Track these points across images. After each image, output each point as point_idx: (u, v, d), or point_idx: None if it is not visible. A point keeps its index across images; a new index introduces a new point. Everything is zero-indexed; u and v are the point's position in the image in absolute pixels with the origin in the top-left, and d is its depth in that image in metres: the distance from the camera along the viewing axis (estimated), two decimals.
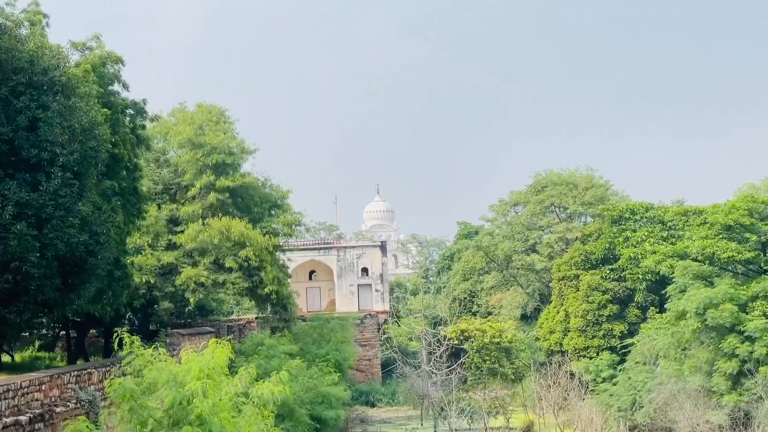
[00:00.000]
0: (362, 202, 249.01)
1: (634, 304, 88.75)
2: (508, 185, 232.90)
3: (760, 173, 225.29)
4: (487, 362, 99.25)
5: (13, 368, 56.90)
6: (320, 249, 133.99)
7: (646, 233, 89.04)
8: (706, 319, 67.20)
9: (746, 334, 66.27)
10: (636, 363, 76.85)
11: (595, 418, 60.30)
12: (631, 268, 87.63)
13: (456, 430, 75.19)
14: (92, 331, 70.46)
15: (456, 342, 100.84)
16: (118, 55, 56.80)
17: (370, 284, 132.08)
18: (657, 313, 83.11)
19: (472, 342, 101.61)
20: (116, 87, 57.19)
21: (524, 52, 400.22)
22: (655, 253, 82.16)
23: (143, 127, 63.16)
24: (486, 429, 69.83)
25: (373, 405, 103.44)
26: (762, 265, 71.31)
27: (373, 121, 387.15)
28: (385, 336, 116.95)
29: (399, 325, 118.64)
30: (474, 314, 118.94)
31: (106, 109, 50.97)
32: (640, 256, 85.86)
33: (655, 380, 70.22)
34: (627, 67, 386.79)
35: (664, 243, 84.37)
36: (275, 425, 29.09)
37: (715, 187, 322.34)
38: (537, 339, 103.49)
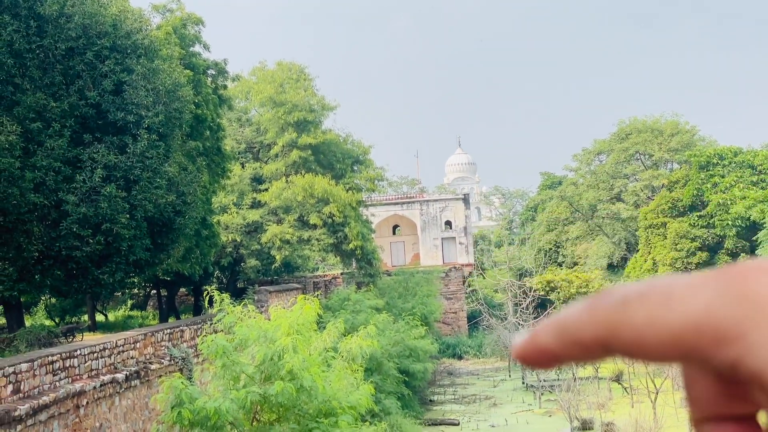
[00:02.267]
0: (444, 155, 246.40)
1: (723, 251, 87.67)
2: (592, 135, 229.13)
3: None
4: None
5: (107, 327, 58.28)
6: (403, 203, 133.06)
7: (736, 178, 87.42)
8: None
9: None
10: None
11: None
12: (720, 215, 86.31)
13: (544, 380, 74.95)
14: (182, 289, 71.60)
15: (542, 293, 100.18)
16: (198, 16, 57.24)
17: (454, 237, 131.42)
18: (748, 258, 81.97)
19: (558, 293, 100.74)
20: (197, 48, 57.65)
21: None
22: (745, 198, 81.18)
23: (225, 87, 63.64)
24: (574, 378, 69.45)
25: (460, 357, 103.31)
26: None
27: (453, 72, 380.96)
28: (471, 289, 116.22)
29: (484, 278, 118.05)
30: (559, 265, 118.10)
31: (188, 71, 51.42)
32: (729, 202, 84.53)
33: None
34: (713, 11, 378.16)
35: (755, 188, 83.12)
36: (364, 379, 29.35)
37: None
38: None
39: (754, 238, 79.01)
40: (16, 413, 21.76)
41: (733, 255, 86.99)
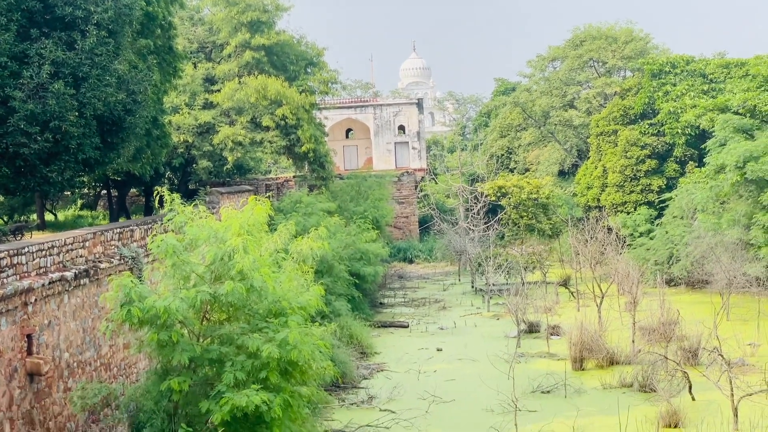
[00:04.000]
0: (398, 60, 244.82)
1: (672, 159, 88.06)
2: (547, 41, 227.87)
3: None
4: (524, 218, 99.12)
5: (56, 226, 57.91)
6: (356, 107, 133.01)
7: (687, 87, 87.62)
8: (745, 173, 66.93)
9: None
10: (674, 217, 76.71)
11: (632, 272, 60.35)
12: (670, 123, 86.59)
13: (493, 284, 75.77)
14: (132, 189, 71.35)
15: (493, 199, 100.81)
16: None
17: (407, 142, 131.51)
18: (696, 167, 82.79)
19: (509, 198, 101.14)
20: None
21: None
22: (695, 107, 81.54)
23: None
24: (523, 283, 70.33)
25: (410, 261, 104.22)
26: None
27: None
28: (423, 193, 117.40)
29: (436, 183, 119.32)
30: (511, 171, 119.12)
31: None
32: (680, 111, 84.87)
33: (692, 234, 70.18)
34: None
35: (705, 96, 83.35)
36: (315, 281, 29.40)
37: (758, 39, 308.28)
38: (574, 195, 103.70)
39: (702, 146, 79.39)
40: None
41: (682, 163, 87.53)
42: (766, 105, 70.95)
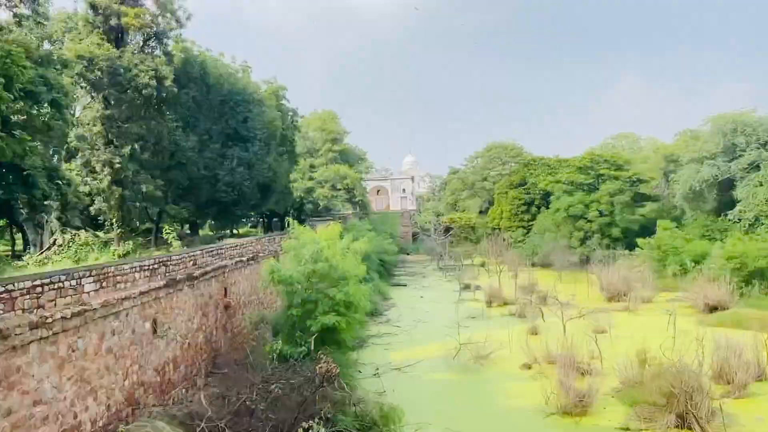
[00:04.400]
0: (401, 153, 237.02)
1: (534, 205, 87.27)
2: (483, 138, 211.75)
3: (605, 132, 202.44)
4: (462, 234, 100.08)
5: (238, 236, 58.31)
6: (382, 180, 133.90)
7: (541, 170, 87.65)
8: (569, 211, 67.52)
9: (588, 218, 66.74)
10: (535, 233, 76.48)
11: (514, 259, 60.80)
12: (533, 188, 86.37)
13: (446, 264, 76.17)
14: (275, 219, 71.69)
15: (448, 223, 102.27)
16: (284, 84, 57.17)
17: (406, 197, 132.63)
18: (546, 209, 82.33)
19: (456, 224, 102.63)
20: (284, 101, 57.49)
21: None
22: (545, 180, 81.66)
23: (296, 120, 63.68)
24: (462, 264, 70.60)
25: (407, 254, 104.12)
26: (596, 185, 70.36)
27: (404, 95, 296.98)
28: (413, 221, 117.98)
29: (420, 216, 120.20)
30: (456, 210, 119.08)
31: (279, 112, 51.53)
32: (537, 182, 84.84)
33: (544, 241, 70.09)
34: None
35: (550, 176, 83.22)
36: (361, 262, 29.53)
37: (578, 142, 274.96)
38: (487, 222, 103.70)
39: (549, 199, 78.90)
40: (194, 274, 21.91)
41: (538, 207, 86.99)
42: (578, 179, 71.80)
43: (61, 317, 12.67)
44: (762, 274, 40.56)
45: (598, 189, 70.25)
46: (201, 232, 55.71)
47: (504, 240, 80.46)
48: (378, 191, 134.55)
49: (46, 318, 12.09)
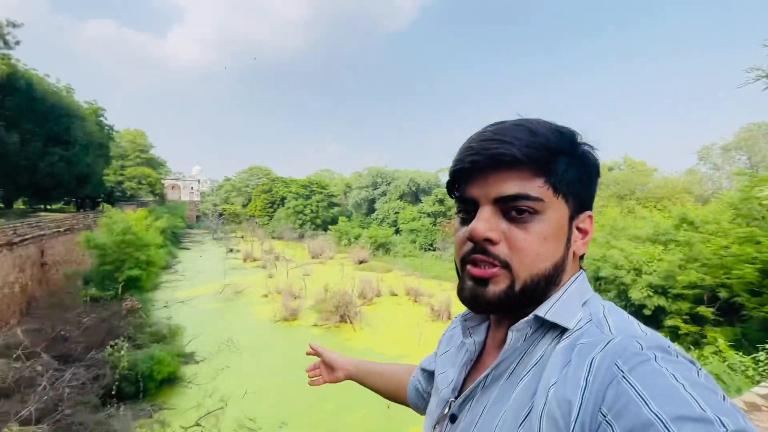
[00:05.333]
0: (192, 163, 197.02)
1: (276, 203, 76.61)
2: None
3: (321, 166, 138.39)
4: (230, 218, 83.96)
5: (52, 211, 44.07)
6: (176, 180, 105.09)
7: (281, 184, 76.68)
8: (295, 208, 62.07)
9: (305, 213, 61.98)
10: (275, 220, 69.31)
11: (262, 234, 55.83)
12: (276, 194, 76.41)
13: (218, 236, 66.00)
14: (87, 200, 54.86)
15: (221, 211, 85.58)
16: (102, 107, 44.22)
17: (194, 192, 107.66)
18: (281, 206, 73.01)
19: (227, 211, 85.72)
20: (102, 118, 44.06)
21: None
22: (282, 190, 76.44)
23: (111, 133, 49.67)
24: (228, 236, 63.82)
25: (192, 228, 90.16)
26: (310, 195, 67.64)
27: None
28: (197, 208, 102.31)
29: (203, 205, 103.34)
30: (228, 203, 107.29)
31: (98, 126, 40.02)
32: (278, 191, 75.44)
33: (280, 225, 65.49)
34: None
35: (286, 187, 77.48)
36: (160, 234, 24.87)
37: (302, 168, 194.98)
38: (247, 212, 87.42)
39: (284, 201, 72.26)
40: (14, 240, 16.40)
41: (278, 205, 76.53)
42: (301, 192, 66.92)
43: None
44: (383, 245, 47.34)
45: (311, 197, 71.29)
46: (14, 206, 40.72)
47: (257, 223, 76.02)
48: (173, 187, 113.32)
49: None
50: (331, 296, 19.62)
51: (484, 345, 0.68)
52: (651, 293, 11.71)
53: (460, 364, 0.68)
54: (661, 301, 11.50)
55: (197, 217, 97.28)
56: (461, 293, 0.62)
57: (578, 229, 0.61)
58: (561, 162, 0.59)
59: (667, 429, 0.39)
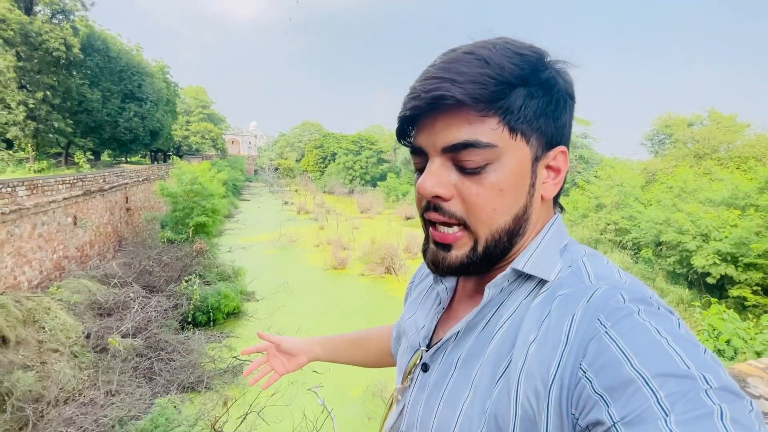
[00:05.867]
0: (249, 119, 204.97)
1: (327, 159, 78.64)
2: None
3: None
4: (285, 172, 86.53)
5: (131, 163, 48.56)
6: (235, 135, 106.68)
7: (332, 140, 79.70)
8: (345, 164, 63.38)
9: (354, 169, 62.56)
10: (327, 175, 71.30)
11: (314, 188, 56.69)
12: (327, 149, 79.16)
13: (274, 189, 66.15)
14: (159, 153, 58.41)
15: (277, 166, 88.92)
16: (168, 65, 46.37)
17: (252, 147, 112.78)
18: (333, 162, 74.79)
19: (282, 165, 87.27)
20: (168, 75, 46.54)
21: None
22: (333, 146, 75.70)
23: (177, 90, 52.36)
24: (284, 190, 65.78)
25: (251, 182, 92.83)
26: (360, 152, 68.60)
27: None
28: (255, 162, 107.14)
29: (260, 159, 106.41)
30: (282, 158, 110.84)
31: (165, 83, 42.05)
32: (329, 146, 78.15)
33: (331, 180, 66.41)
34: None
35: (336, 143, 76.50)
36: (222, 185, 26.55)
37: (355, 124, 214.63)
38: (301, 167, 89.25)
39: (335, 157, 72.83)
40: (104, 188, 18.63)
41: (329, 160, 77.31)
42: (351, 148, 67.21)
43: (1, 213, 10.41)
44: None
45: (361, 153, 71.45)
46: (102, 158, 45.49)
47: (309, 177, 77.99)
48: (233, 141, 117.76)
49: None
50: (377, 249, 20.34)
51: (455, 291, 0.64)
52: (718, 260, 10.74)
53: (430, 310, 0.65)
54: (730, 270, 10.56)
55: (255, 170, 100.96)
56: (424, 255, 0.58)
57: (549, 168, 0.53)
58: (518, 95, 0.49)
59: (649, 386, 0.38)
